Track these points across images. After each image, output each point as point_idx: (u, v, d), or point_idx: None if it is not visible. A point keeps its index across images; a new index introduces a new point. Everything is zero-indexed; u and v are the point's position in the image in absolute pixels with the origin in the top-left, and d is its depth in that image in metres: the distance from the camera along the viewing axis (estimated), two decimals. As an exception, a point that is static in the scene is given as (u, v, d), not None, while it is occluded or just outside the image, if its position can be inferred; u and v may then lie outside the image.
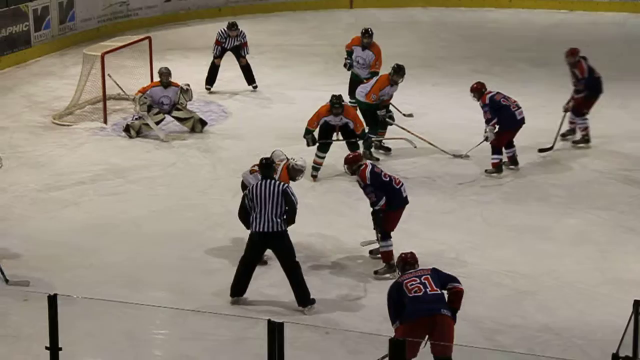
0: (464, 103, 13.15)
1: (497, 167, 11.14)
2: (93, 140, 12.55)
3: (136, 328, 7.74)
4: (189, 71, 14.98)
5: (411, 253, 7.46)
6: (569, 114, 12.10)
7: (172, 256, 9.25)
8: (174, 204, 10.51)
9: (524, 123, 11.18)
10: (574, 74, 12.13)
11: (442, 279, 7.17)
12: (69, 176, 11.31)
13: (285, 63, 16.28)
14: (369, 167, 8.90)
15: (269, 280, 8.75)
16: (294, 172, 9.00)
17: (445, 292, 7.10)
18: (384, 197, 8.76)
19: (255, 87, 14.61)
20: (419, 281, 7.06)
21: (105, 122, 13.03)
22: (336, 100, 11.01)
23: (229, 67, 14.57)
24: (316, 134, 11.14)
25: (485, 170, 11.18)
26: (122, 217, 10.13)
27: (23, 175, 11.36)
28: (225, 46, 14.43)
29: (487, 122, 11.06)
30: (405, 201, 8.96)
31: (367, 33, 12.94)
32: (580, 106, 12.05)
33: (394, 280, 7.32)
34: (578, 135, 12.17)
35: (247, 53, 14.54)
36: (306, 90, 14.65)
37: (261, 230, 8.13)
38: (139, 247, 9.46)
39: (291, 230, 8.78)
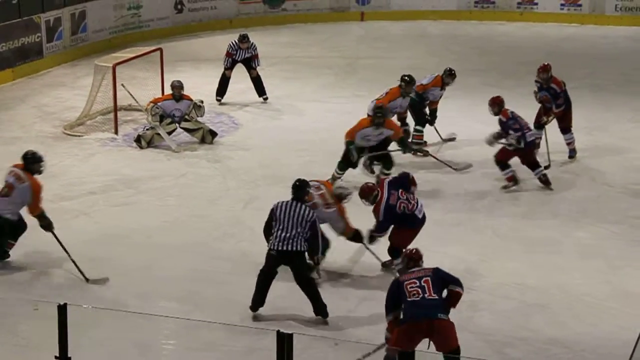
0: (475, 116, 13.18)
1: (513, 179, 11.11)
2: (104, 150, 12.60)
3: (146, 338, 7.75)
4: (200, 82, 15.03)
5: (416, 250, 7.59)
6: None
7: (182, 267, 9.26)
8: (184, 215, 10.53)
9: (533, 146, 11.13)
10: (550, 89, 11.96)
11: (444, 280, 7.26)
12: (79, 186, 11.34)
13: (296, 75, 16.33)
14: (384, 202, 8.83)
15: (279, 291, 8.75)
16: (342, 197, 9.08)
17: (444, 294, 7.21)
18: (389, 229, 8.87)
19: (266, 98, 14.64)
20: (418, 284, 7.17)
21: (116, 132, 13.08)
22: (379, 110, 10.91)
23: (240, 78, 14.61)
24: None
25: (503, 187, 11.12)
26: (132, 228, 10.15)
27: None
28: (236, 58, 14.48)
29: (516, 131, 10.95)
30: (420, 222, 8.92)
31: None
32: (565, 122, 11.99)
33: (395, 279, 7.50)
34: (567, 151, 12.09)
35: (258, 65, 14.59)
36: (316, 102, 14.68)
37: (281, 248, 8.21)
38: (150, 257, 9.47)
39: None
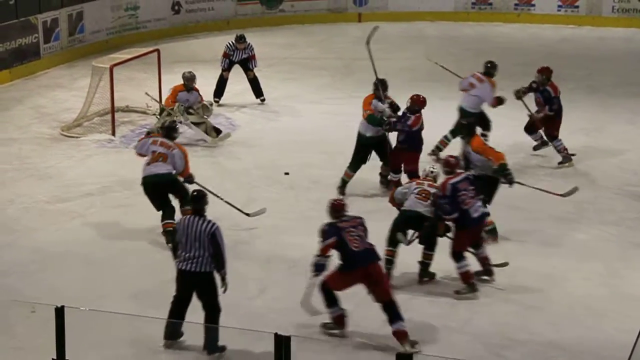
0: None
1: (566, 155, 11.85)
2: (101, 152, 12.58)
3: (143, 340, 7.73)
4: (197, 83, 14.97)
5: (339, 200, 8.31)
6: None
7: (179, 269, 9.23)
8: (181, 217, 10.48)
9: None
10: (545, 92, 11.98)
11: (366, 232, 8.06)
12: (76, 188, 11.32)
13: (293, 76, 16.31)
14: (454, 180, 8.85)
15: (276, 293, 8.75)
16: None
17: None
18: (455, 213, 8.77)
19: (263, 100, 14.63)
20: (356, 233, 7.96)
21: (113, 134, 13.06)
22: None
23: (237, 80, 14.60)
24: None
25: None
26: (129, 229, 10.14)
27: (31, 186, 11.37)
28: (233, 59, 14.47)
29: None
30: (474, 221, 8.85)
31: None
32: (552, 129, 12.03)
33: (330, 223, 8.01)
34: (560, 157, 12.07)
35: (255, 66, 14.58)
36: (314, 104, 14.67)
37: (184, 268, 7.69)
38: (146, 259, 9.46)
39: (300, 244, 8.80)
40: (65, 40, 16.96)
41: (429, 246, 9.07)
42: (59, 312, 6.51)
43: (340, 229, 7.95)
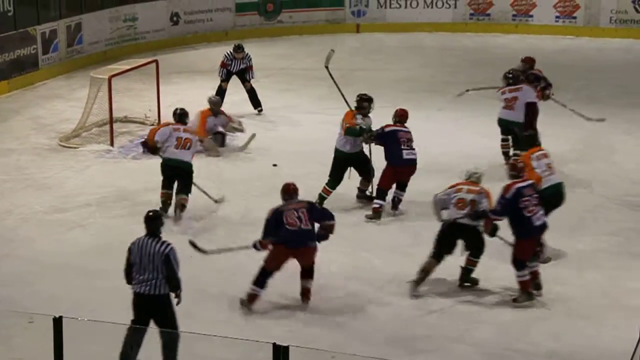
0: (470, 128, 13.20)
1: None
2: (99, 162, 12.57)
3: (141, 351, 7.70)
4: (195, 94, 15.01)
5: (293, 184, 8.88)
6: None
7: (177, 279, 9.22)
8: (180, 226, 10.49)
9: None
10: (530, 75, 12.50)
11: (318, 215, 8.76)
12: (75, 198, 11.31)
13: (291, 87, 16.33)
14: (519, 185, 8.76)
15: (274, 303, 8.73)
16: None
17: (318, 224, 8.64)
18: (505, 218, 8.74)
19: (261, 110, 14.64)
20: (296, 215, 8.63)
21: (111, 144, 13.06)
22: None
23: (235, 90, 14.61)
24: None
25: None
26: (127, 240, 10.03)
27: (29, 197, 11.36)
28: (231, 69, 14.48)
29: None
30: (536, 230, 8.78)
31: None
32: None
33: (275, 208, 8.69)
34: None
35: (253, 77, 14.60)
36: (311, 114, 14.68)
37: (139, 291, 7.51)
38: (145, 269, 9.42)
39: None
40: (63, 51, 16.98)
41: (475, 253, 9.02)
42: (57, 323, 6.49)
43: (282, 214, 8.62)
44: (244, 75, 14.53)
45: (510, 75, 12.41)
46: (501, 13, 20.68)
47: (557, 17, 20.41)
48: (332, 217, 8.84)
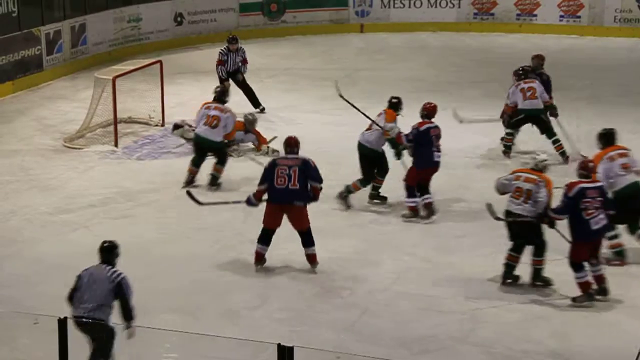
0: (474, 128, 13.17)
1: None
2: (104, 163, 12.58)
3: (146, 352, 7.71)
4: (199, 95, 15.00)
5: (295, 137, 9.42)
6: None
7: (182, 279, 9.24)
8: (183, 227, 10.51)
9: None
10: (543, 74, 12.70)
11: (309, 175, 9.19)
12: (79, 199, 11.32)
13: (295, 87, 16.33)
14: (583, 185, 8.66)
15: (279, 303, 8.74)
16: None
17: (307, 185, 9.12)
18: (566, 216, 8.64)
19: (263, 109, 14.62)
20: (287, 172, 9.15)
21: (116, 145, 13.07)
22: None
23: (237, 90, 14.58)
24: None
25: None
26: (132, 240, 10.10)
27: (33, 198, 11.37)
28: (228, 68, 14.40)
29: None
30: (592, 234, 8.64)
31: None
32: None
33: (272, 159, 9.44)
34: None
35: (245, 71, 14.55)
36: (316, 114, 14.68)
37: (78, 314, 7.28)
38: (149, 270, 9.44)
39: (302, 254, 8.80)
40: (68, 52, 17.00)
41: (537, 252, 8.93)
42: (62, 323, 6.50)
43: (275, 167, 9.23)
44: (236, 74, 14.48)
45: (522, 72, 12.61)
46: (505, 12, 20.65)
47: (561, 16, 20.38)
48: (320, 181, 9.28)
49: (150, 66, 14.08)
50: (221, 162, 11.63)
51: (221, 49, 14.59)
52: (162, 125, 13.90)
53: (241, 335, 7.99)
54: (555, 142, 12.45)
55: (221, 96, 11.88)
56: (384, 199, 11.12)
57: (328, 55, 18.87)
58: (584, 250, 8.69)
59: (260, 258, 9.40)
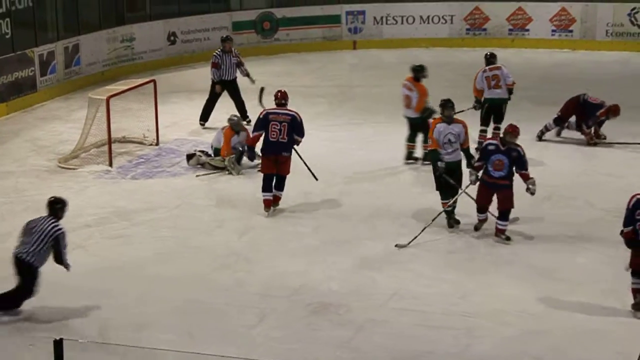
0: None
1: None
2: (98, 183, 12.57)
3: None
4: (193, 113, 15.04)
5: (282, 91, 11.15)
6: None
7: (178, 298, 9.22)
8: (179, 246, 10.49)
9: None
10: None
11: (295, 130, 10.93)
12: (74, 219, 11.26)
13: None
14: (638, 197, 8.87)
15: (275, 322, 8.72)
16: None
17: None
18: (630, 227, 8.85)
19: (249, 120, 14.65)
20: (279, 126, 10.86)
21: (110, 165, 13.06)
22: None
23: (226, 104, 14.58)
24: None
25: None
26: (127, 260, 10.11)
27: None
28: (224, 73, 14.38)
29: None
30: None
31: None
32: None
33: (265, 112, 11.01)
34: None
35: (247, 71, 14.54)
36: (311, 131, 14.53)
37: (13, 253, 8.80)
38: (145, 289, 9.42)
39: (299, 272, 8.76)
40: (61, 72, 17.01)
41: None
42: (58, 345, 6.47)
43: (269, 120, 10.89)
44: (233, 84, 14.47)
45: (489, 56, 13.74)
46: (497, 28, 20.75)
47: (553, 30, 20.48)
48: (302, 135, 11.07)
49: (144, 85, 14.09)
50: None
51: (215, 52, 14.62)
52: (157, 144, 13.91)
53: (238, 354, 7.96)
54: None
55: (421, 72, 12.86)
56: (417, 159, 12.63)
57: (322, 72, 18.91)
58: (638, 260, 8.86)
59: (269, 204, 11.06)
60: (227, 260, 10.05)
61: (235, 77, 14.62)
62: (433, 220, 10.50)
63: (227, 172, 12.69)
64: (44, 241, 8.73)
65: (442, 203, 10.70)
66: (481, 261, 9.99)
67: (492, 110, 13.40)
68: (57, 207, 9.00)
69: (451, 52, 20.24)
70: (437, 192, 10.81)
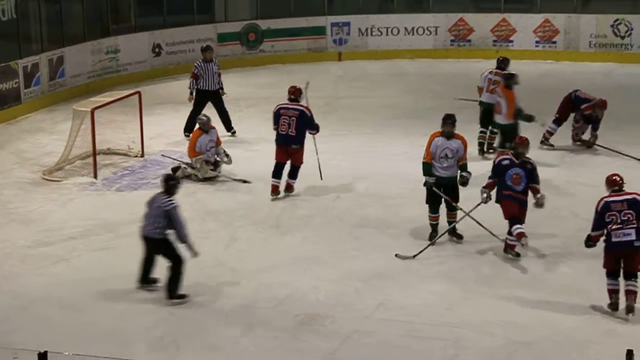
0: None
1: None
2: (83, 195, 12.53)
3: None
4: (179, 125, 15.02)
5: (293, 86, 12.02)
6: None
7: (163, 310, 9.19)
8: (164, 258, 10.44)
9: None
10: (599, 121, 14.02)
11: (305, 124, 11.85)
12: (59, 232, 11.25)
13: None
14: (610, 198, 8.99)
15: (261, 333, 8.70)
16: None
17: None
18: (599, 231, 8.98)
19: (234, 132, 14.63)
20: (288, 120, 11.80)
21: (95, 177, 13.03)
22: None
23: (213, 115, 14.57)
24: None
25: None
26: (112, 272, 10.07)
27: (12, 231, 11.29)
28: (205, 83, 14.38)
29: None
30: (613, 246, 8.91)
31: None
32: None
33: (278, 107, 12.02)
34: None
35: (222, 86, 14.55)
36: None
37: (142, 234, 9.38)
38: (130, 301, 9.39)
39: (285, 283, 8.76)
40: (46, 84, 16.96)
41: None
42: (42, 358, 6.43)
43: (280, 114, 11.88)
44: (215, 95, 14.46)
45: (501, 59, 14.18)
46: (482, 39, 20.84)
47: (537, 42, 20.58)
48: (315, 128, 11.98)
49: (129, 97, 14.07)
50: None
51: (196, 64, 14.62)
52: (142, 156, 13.89)
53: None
54: (493, 132, 13.56)
55: (511, 79, 12.99)
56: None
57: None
58: (608, 259, 9.01)
59: (275, 189, 11.93)
60: (213, 272, 10.02)
61: (219, 88, 14.60)
62: (441, 235, 10.44)
63: (193, 176, 12.74)
64: (161, 216, 9.19)
65: (430, 216, 10.68)
66: (467, 272, 10.00)
67: (486, 114, 13.66)
68: (170, 183, 9.43)
69: (436, 63, 20.31)
70: (425, 204, 10.77)
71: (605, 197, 9.06)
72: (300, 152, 11.92)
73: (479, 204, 10.38)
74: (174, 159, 13.19)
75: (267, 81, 18.94)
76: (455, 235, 10.67)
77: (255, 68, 19.95)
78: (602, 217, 8.93)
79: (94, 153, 13.11)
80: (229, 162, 13.03)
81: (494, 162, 10.41)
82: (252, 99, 16.99)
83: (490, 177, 10.35)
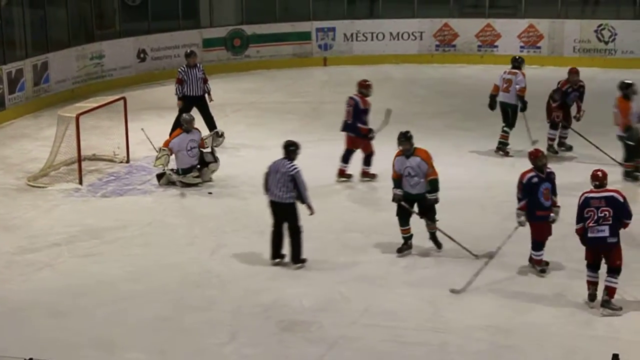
0: (438, 159, 13.21)
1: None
2: (68, 201, 12.49)
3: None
4: (164, 130, 14.96)
5: (363, 81, 12.75)
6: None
7: (149, 317, 9.17)
8: (150, 264, 10.44)
9: None
10: (580, 87, 14.55)
11: (356, 115, 12.55)
12: (43, 238, 11.21)
13: (260, 121, 16.34)
14: (590, 195, 9.20)
15: (247, 339, 8.69)
16: None
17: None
18: (581, 225, 9.19)
19: (221, 134, 14.60)
20: (347, 108, 12.57)
21: (80, 183, 12.99)
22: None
23: (199, 120, 14.57)
24: None
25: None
26: (97, 279, 10.05)
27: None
28: (189, 89, 14.36)
29: None
30: (588, 241, 9.12)
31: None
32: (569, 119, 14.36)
33: None
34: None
35: (209, 89, 14.53)
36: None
37: (272, 199, 10.03)
38: (116, 307, 9.37)
39: (271, 289, 8.73)
40: (30, 90, 16.90)
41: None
42: (28, 365, 6.41)
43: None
44: (200, 100, 14.46)
45: (518, 57, 14.50)
46: (466, 44, 20.89)
47: (521, 47, 20.64)
48: (363, 123, 12.87)
49: (114, 103, 14.04)
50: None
51: (180, 68, 14.61)
52: (127, 161, 13.86)
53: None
54: (506, 132, 13.76)
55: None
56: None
57: (292, 88, 18.94)
58: (587, 254, 9.24)
59: (341, 173, 12.72)
60: (199, 278, 10.01)
61: (204, 93, 14.57)
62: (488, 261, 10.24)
63: (178, 182, 12.77)
64: (285, 180, 9.88)
65: (400, 229, 10.64)
66: (452, 277, 10.01)
67: (503, 113, 13.96)
68: (290, 149, 10.14)
69: (421, 68, 20.35)
70: (416, 211, 10.76)
71: (586, 192, 9.24)
72: (364, 140, 12.73)
73: (516, 228, 10.11)
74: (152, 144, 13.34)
75: (253, 86, 18.94)
76: (435, 243, 10.67)
77: (241, 73, 19.93)
78: (582, 211, 9.13)
79: (79, 159, 13.07)
80: (222, 141, 13.57)
81: (520, 181, 10.05)
82: (237, 105, 16.97)
83: (520, 198, 10.04)
